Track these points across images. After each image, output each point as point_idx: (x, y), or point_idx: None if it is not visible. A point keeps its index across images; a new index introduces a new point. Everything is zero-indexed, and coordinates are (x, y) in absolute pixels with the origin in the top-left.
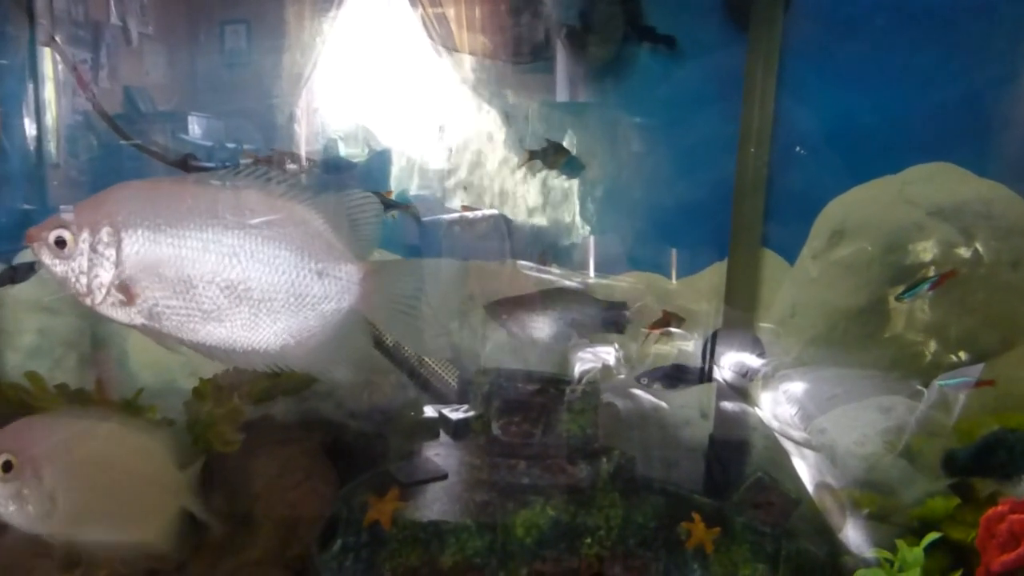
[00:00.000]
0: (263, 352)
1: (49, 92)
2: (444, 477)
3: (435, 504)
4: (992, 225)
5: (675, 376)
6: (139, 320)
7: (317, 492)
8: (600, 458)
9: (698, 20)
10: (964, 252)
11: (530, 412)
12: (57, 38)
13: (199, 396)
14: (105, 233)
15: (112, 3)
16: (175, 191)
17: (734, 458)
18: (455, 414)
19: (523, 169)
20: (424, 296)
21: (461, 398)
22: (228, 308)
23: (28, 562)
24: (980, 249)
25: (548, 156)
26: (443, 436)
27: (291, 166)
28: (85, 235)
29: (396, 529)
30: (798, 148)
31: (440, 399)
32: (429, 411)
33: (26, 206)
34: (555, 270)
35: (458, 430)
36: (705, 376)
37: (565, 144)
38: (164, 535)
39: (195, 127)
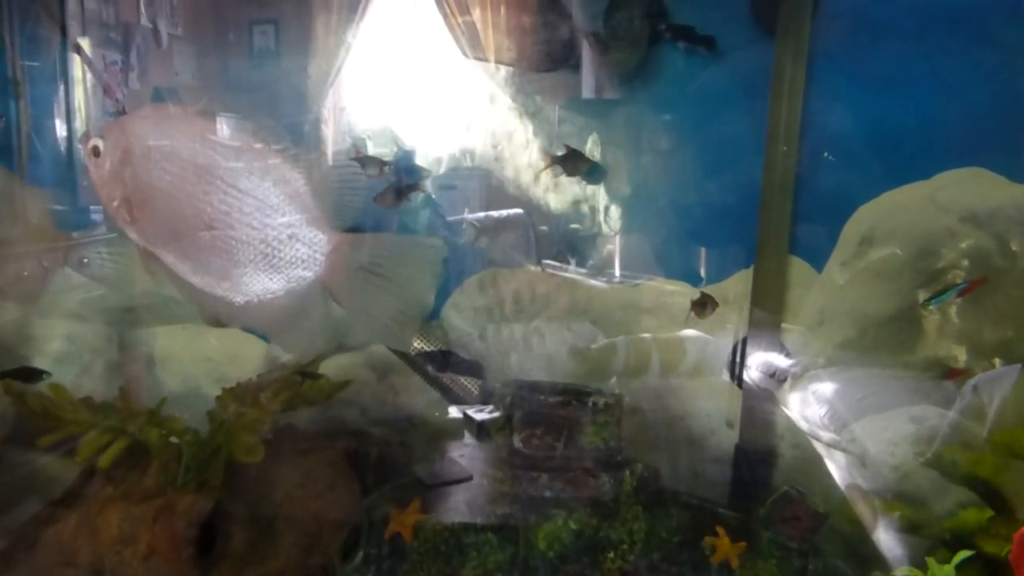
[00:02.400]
0: (230, 304)
1: (79, 94)
2: (469, 479)
3: (456, 516)
4: None
5: (443, 361)
6: (140, 241)
7: (339, 502)
8: (623, 471)
9: (725, 24)
10: (998, 258)
11: (552, 424)
12: (83, 45)
13: (222, 405)
14: (121, 150)
15: (142, 5)
16: (182, 121)
17: (761, 468)
18: (479, 415)
19: (547, 173)
20: (396, 277)
21: (479, 433)
22: (207, 248)
23: (56, 571)
24: (1014, 256)
25: (568, 163)
26: (468, 437)
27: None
28: (111, 148)
29: (417, 541)
30: (826, 154)
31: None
32: (453, 411)
33: (57, 207)
34: (579, 269)
35: (482, 431)
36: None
37: (589, 148)
38: None
39: (223, 127)
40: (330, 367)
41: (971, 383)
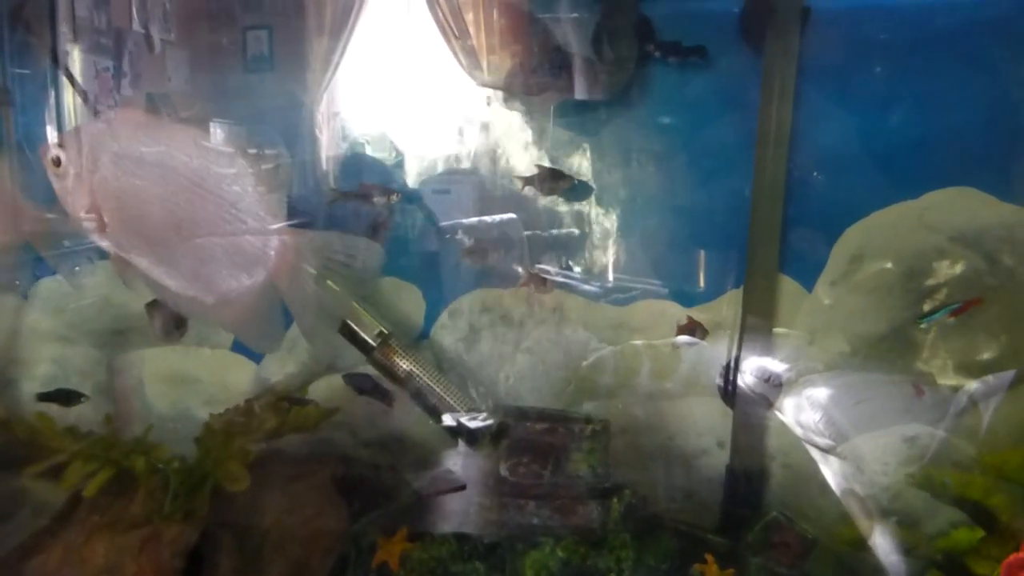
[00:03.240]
0: (201, 303)
1: (69, 100)
2: (463, 488)
3: (443, 545)
4: (1016, 250)
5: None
6: (111, 248)
7: (327, 529)
8: (611, 498)
9: (713, 43)
10: (987, 277)
11: (539, 452)
12: (73, 53)
13: (209, 432)
14: (86, 158)
15: (134, 10)
16: (144, 125)
17: (752, 489)
18: (472, 422)
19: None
20: (339, 276)
21: (469, 434)
22: (178, 250)
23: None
24: (1003, 275)
25: (545, 183)
26: (460, 445)
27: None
28: (73, 157)
29: (404, 570)
30: (815, 173)
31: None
32: (447, 419)
33: (49, 215)
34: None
35: (474, 438)
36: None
37: (579, 165)
38: None
39: (217, 133)
40: (320, 387)
41: (965, 392)
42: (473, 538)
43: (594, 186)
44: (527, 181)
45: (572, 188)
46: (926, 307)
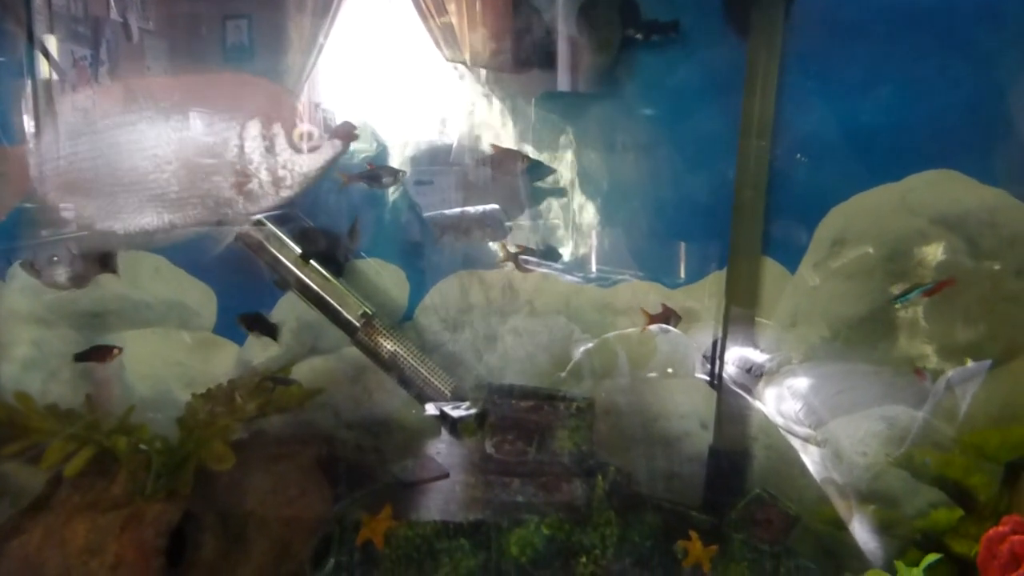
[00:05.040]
0: None
1: (45, 89)
2: (446, 476)
3: (428, 523)
4: (996, 233)
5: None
6: None
7: (311, 508)
8: (595, 475)
9: (697, 27)
10: (968, 260)
11: (524, 429)
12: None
13: (192, 411)
14: None
15: None
16: None
17: (735, 469)
18: (455, 411)
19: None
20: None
21: (451, 425)
22: None
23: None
24: (984, 257)
25: (503, 163)
26: (444, 434)
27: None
28: None
29: (389, 548)
30: (799, 155)
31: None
32: (430, 408)
33: (27, 204)
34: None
35: (456, 428)
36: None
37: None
38: None
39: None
40: (303, 369)
41: (944, 378)
42: (458, 516)
43: (555, 167)
44: (482, 162)
45: (531, 168)
46: (898, 289)
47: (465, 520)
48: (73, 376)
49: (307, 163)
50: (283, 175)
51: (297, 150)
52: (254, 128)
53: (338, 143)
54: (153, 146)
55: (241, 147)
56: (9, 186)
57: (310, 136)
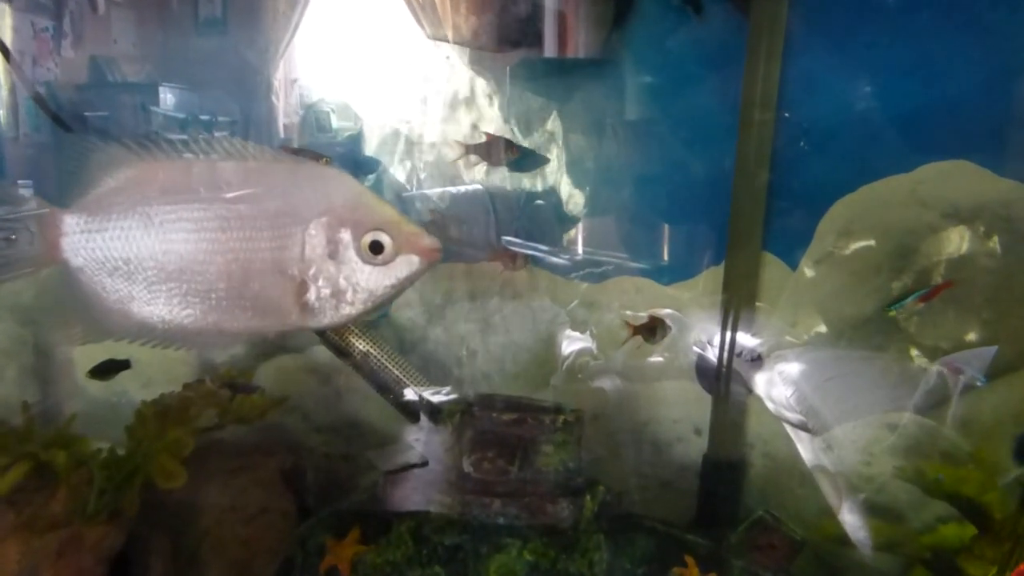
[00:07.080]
0: None
1: (3, 64)
2: (425, 464)
3: (399, 548)
4: (1013, 228)
5: None
6: None
7: (272, 528)
8: (583, 495)
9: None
10: (981, 257)
11: (505, 445)
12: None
13: (141, 421)
14: None
15: None
16: None
17: (730, 479)
18: (436, 396)
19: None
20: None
21: (432, 416)
22: None
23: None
24: (999, 254)
25: (491, 152)
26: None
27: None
28: None
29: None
30: (802, 144)
31: (410, 415)
32: (409, 393)
33: None
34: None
35: (436, 413)
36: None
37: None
38: None
39: (167, 98)
40: (270, 369)
41: (935, 368)
42: (433, 540)
43: (550, 157)
44: (471, 150)
45: (524, 158)
46: (919, 287)
47: (440, 545)
48: (19, 375)
49: (374, 279)
50: (344, 288)
51: (365, 262)
52: (318, 229)
53: (415, 260)
54: (206, 233)
55: (302, 251)
56: None
57: (381, 247)
